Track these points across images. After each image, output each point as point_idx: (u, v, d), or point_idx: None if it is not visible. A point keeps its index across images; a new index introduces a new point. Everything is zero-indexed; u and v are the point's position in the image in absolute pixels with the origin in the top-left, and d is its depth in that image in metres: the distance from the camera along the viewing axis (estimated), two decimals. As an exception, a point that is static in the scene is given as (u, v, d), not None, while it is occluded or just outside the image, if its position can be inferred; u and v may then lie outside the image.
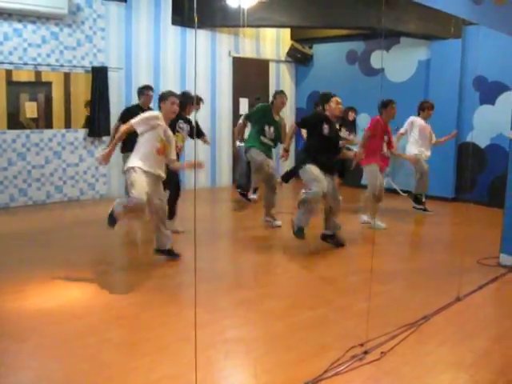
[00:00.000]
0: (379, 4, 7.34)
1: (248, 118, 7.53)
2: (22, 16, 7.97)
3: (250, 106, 9.12)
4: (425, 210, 8.39)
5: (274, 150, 7.53)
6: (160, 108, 5.42)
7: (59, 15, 8.18)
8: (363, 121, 9.84)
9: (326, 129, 6.00)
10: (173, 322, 4.12)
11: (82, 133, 8.78)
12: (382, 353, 3.57)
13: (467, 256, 5.76)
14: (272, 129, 7.22)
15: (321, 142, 6.01)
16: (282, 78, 11.84)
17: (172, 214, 6.60)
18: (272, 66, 11.59)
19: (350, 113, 9.12)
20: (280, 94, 7.35)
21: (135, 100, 9.37)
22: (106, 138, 8.63)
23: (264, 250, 5.77)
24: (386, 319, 4.17)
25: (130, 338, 3.85)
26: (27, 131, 8.25)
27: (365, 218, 7.39)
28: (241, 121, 8.07)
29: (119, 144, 5.63)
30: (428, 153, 8.46)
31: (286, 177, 8.33)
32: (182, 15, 9.36)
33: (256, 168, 7.39)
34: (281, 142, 7.33)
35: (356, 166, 7.91)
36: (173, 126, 6.02)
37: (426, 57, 9.87)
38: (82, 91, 8.72)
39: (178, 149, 6.17)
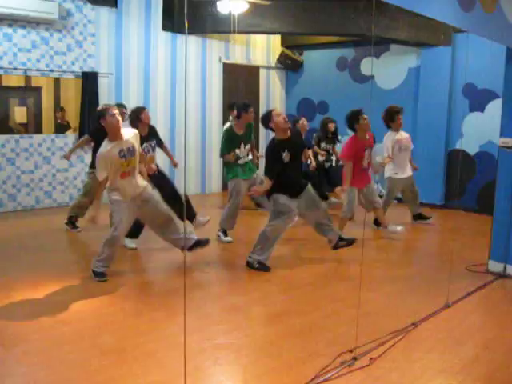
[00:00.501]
0: (369, 11, 7.40)
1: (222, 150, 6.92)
2: (12, 21, 7.95)
3: (229, 108, 8.74)
4: (425, 218, 8.21)
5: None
6: (103, 128, 5.08)
7: (49, 20, 8.17)
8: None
9: (286, 157, 5.50)
10: (162, 329, 4.11)
11: (71, 138, 8.75)
12: (371, 359, 3.57)
13: (456, 263, 5.79)
14: (242, 146, 6.79)
15: (283, 170, 5.50)
16: (272, 85, 11.86)
17: (192, 215, 6.79)
18: (262, 73, 11.61)
19: (329, 124, 8.82)
20: (248, 108, 6.75)
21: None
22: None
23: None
24: (376, 325, 4.17)
25: (119, 344, 3.83)
26: (16, 136, 8.21)
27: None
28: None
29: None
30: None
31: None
32: (173, 21, 9.39)
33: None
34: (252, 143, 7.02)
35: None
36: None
37: (416, 64, 9.92)
38: (71, 96, 8.70)
39: (152, 169, 6.06)
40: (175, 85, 9.99)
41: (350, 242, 5.98)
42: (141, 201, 5.21)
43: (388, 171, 7.61)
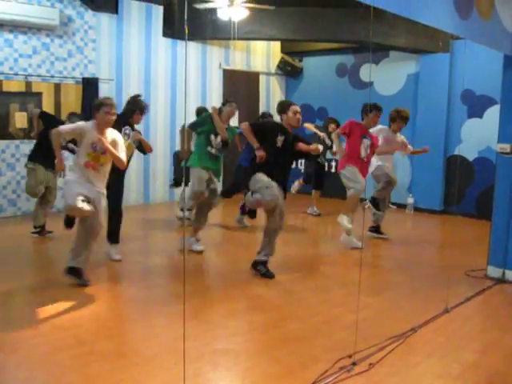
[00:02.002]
0: (368, 18, 7.43)
1: (193, 127, 6.59)
2: (13, 27, 7.98)
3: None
4: (382, 233, 7.59)
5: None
6: (94, 118, 5.02)
7: (50, 26, 8.21)
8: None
9: (279, 141, 5.44)
10: (161, 334, 4.11)
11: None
12: (370, 364, 3.58)
13: (455, 268, 5.82)
14: (219, 138, 6.41)
15: (272, 154, 5.39)
16: (272, 91, 11.90)
17: (116, 238, 6.14)
18: (262, 79, 11.65)
19: (331, 124, 8.91)
20: (231, 104, 6.54)
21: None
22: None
23: (251, 262, 5.76)
24: (375, 331, 4.18)
25: (118, 349, 3.84)
26: (16, 141, 8.23)
27: (344, 220, 6.62)
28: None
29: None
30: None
31: (228, 192, 8.20)
32: (173, 27, 9.43)
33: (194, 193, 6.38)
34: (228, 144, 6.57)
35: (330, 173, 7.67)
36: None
37: (415, 70, 9.97)
38: (72, 102, 8.72)
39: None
40: (175, 91, 10.03)
41: (267, 274, 5.55)
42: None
43: (372, 166, 7.17)
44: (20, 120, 8.23)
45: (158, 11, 9.50)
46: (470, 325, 4.54)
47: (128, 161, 5.60)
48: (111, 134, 5.10)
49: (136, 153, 6.21)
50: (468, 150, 9.21)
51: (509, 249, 5.71)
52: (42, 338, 3.98)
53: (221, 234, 7.79)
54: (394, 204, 10.09)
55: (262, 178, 5.33)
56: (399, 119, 7.31)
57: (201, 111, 7.71)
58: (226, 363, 3.69)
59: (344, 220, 6.60)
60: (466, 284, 5.53)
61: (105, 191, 5.14)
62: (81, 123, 5.08)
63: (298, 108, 5.58)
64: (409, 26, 8.53)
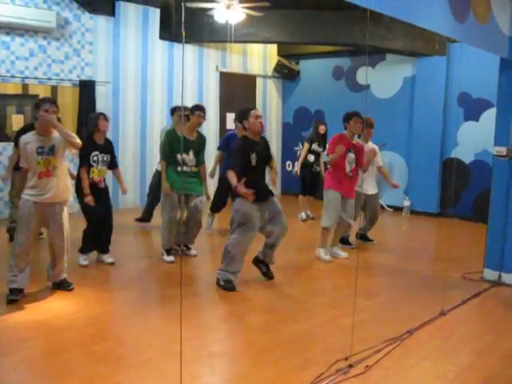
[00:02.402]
0: (364, 21, 7.44)
1: (165, 157, 6.15)
2: (10, 29, 7.98)
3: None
4: (370, 240, 7.48)
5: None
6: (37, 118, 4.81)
7: (47, 29, 8.21)
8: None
9: (253, 159, 5.24)
10: (157, 336, 4.11)
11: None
12: (366, 366, 3.59)
13: (451, 271, 5.84)
14: (191, 153, 6.14)
15: (249, 173, 5.21)
16: (268, 94, 11.92)
17: (106, 246, 6.06)
18: (259, 82, 11.67)
19: (320, 126, 8.91)
20: (199, 110, 6.25)
21: (123, 114, 9.44)
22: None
23: (248, 264, 5.76)
24: (371, 333, 4.19)
25: (115, 351, 3.84)
26: (13, 144, 8.20)
27: (321, 253, 6.49)
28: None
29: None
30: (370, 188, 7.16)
31: (216, 207, 8.05)
32: (170, 30, 9.43)
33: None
34: (202, 162, 6.33)
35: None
36: (87, 159, 5.70)
37: (412, 73, 9.99)
38: (69, 104, 8.72)
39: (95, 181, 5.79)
40: (172, 93, 10.03)
41: (267, 275, 5.61)
42: (50, 214, 4.81)
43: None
44: (17, 122, 8.21)
45: (155, 14, 9.51)
46: (466, 327, 4.54)
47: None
48: (57, 135, 4.82)
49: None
50: (464, 152, 9.24)
51: (505, 252, 5.73)
52: (39, 340, 3.98)
53: (215, 239, 7.78)
54: (390, 207, 10.13)
55: (242, 207, 5.16)
56: (368, 126, 6.89)
57: (174, 110, 7.45)
58: (223, 365, 3.70)
59: (321, 253, 6.48)
60: (462, 287, 5.54)
61: (69, 195, 4.98)
62: (20, 141, 4.78)
63: (259, 112, 5.37)
64: (405, 29, 8.57)
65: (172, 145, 6.07)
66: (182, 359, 2.89)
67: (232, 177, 5.14)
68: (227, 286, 5.22)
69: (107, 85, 9.16)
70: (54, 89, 8.56)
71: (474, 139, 9.13)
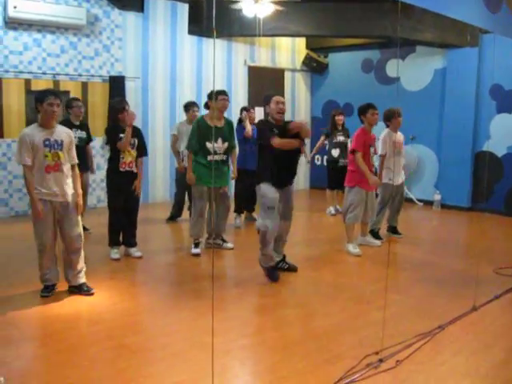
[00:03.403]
0: (395, 13, 7.36)
1: (191, 148, 6.14)
2: (42, 26, 8.11)
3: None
4: (398, 233, 7.37)
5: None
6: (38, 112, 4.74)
7: (78, 25, 8.33)
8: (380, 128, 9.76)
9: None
10: (188, 329, 4.15)
11: (99, 141, 8.83)
12: (397, 361, 3.57)
13: (483, 265, 5.75)
14: (220, 141, 6.14)
15: (275, 158, 5.22)
16: (297, 87, 11.88)
17: (132, 239, 6.11)
18: (287, 75, 11.64)
19: (336, 116, 8.72)
20: (221, 94, 6.15)
21: (152, 109, 9.52)
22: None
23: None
24: (402, 328, 4.16)
25: (146, 344, 3.89)
26: (8, 140, 8.13)
27: (350, 247, 6.48)
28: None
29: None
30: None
31: (240, 208, 7.92)
32: (199, 25, 9.45)
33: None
34: (233, 146, 6.43)
35: None
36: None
37: (442, 65, 9.85)
38: (99, 100, 8.83)
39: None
40: (201, 88, 10.06)
41: (292, 269, 5.65)
42: (59, 212, 4.71)
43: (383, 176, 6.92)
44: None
45: (184, 9, 9.54)
46: (498, 323, 4.47)
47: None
48: (59, 127, 4.78)
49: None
50: (497, 145, 9.07)
51: (539, 246, 5.63)
52: (72, 331, 4.05)
53: (245, 233, 7.80)
54: (420, 201, 10.02)
55: (267, 193, 5.22)
56: (397, 116, 6.89)
57: (187, 106, 7.68)
58: (253, 358, 3.72)
59: (350, 248, 6.47)
60: (494, 282, 5.45)
61: (80, 191, 4.86)
62: (24, 132, 4.65)
63: (281, 98, 5.35)
64: (436, 20, 8.44)
65: (202, 133, 6.03)
66: (213, 352, 2.91)
67: (279, 140, 5.09)
68: (269, 273, 5.39)
69: (137, 80, 9.24)
70: (85, 85, 8.67)
71: (507, 132, 8.96)
